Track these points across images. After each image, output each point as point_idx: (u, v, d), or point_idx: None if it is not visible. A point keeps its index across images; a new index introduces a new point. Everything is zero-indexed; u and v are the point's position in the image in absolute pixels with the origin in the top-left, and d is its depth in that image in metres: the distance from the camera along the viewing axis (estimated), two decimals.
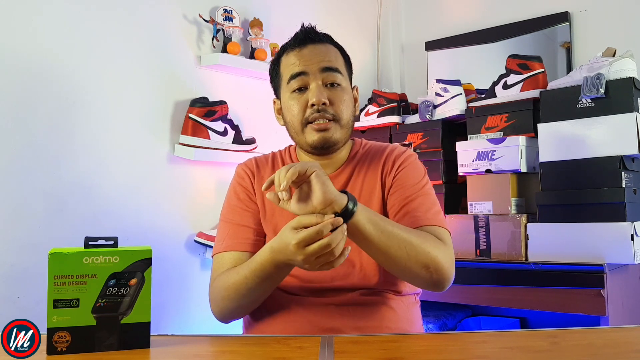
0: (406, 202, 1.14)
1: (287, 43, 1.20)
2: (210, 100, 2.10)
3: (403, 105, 2.48)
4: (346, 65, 1.22)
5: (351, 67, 1.24)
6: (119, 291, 0.86)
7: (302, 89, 1.15)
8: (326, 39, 1.20)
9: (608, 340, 0.93)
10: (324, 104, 1.13)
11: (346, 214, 0.95)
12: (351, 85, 1.22)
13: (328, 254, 0.91)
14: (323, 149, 1.17)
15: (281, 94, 1.21)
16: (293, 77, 1.15)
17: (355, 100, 1.23)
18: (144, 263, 0.87)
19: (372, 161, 1.22)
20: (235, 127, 2.16)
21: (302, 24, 1.21)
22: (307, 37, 1.17)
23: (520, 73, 2.13)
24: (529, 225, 1.93)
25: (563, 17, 2.43)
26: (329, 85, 1.15)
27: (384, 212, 1.18)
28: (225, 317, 1.14)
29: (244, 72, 2.26)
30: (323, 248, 0.90)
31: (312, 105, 1.13)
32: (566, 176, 1.89)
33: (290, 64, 1.16)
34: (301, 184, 0.96)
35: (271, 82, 1.26)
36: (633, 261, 1.73)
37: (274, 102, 1.26)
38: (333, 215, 0.92)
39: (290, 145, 1.29)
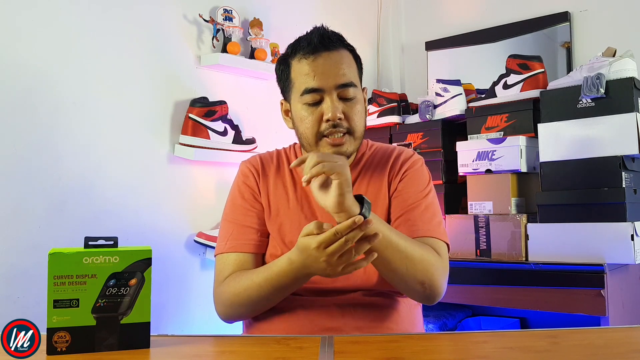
0: (407, 210, 1.14)
1: (299, 45, 1.15)
2: (210, 100, 2.10)
3: (403, 105, 2.48)
4: (358, 69, 1.19)
5: (362, 68, 1.22)
6: (118, 291, 0.86)
7: (317, 102, 1.13)
8: (339, 43, 1.16)
9: (608, 340, 0.93)
10: (339, 119, 1.12)
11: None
12: (361, 86, 1.21)
13: (348, 252, 0.92)
14: None
15: (291, 99, 1.18)
16: (308, 91, 1.12)
17: (364, 100, 1.23)
18: (143, 263, 0.87)
19: (378, 163, 1.22)
20: (235, 127, 2.16)
21: (315, 26, 1.16)
22: (321, 43, 1.13)
23: (520, 73, 2.13)
24: (529, 225, 1.93)
25: (563, 17, 2.43)
26: (343, 99, 1.13)
27: (389, 214, 1.18)
28: (231, 320, 1.16)
29: (244, 72, 2.26)
30: (342, 246, 0.91)
31: (327, 120, 1.11)
32: (566, 176, 1.89)
33: (304, 74, 1.13)
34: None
35: (278, 81, 1.22)
36: (633, 261, 1.73)
37: (282, 103, 1.23)
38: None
39: (295, 144, 1.28)
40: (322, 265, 0.95)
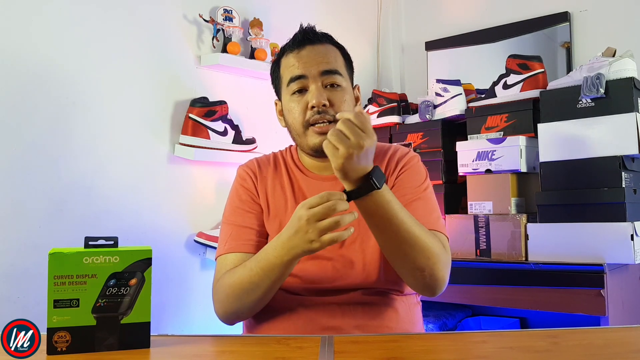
0: (406, 204, 1.13)
1: (286, 44, 1.20)
2: (210, 100, 2.10)
3: (403, 105, 2.48)
4: (346, 65, 1.21)
5: (352, 66, 1.24)
6: (119, 291, 0.86)
7: (302, 90, 1.15)
8: (325, 39, 1.19)
9: (608, 340, 0.93)
10: (324, 105, 1.12)
11: (362, 189, 0.96)
12: (352, 85, 1.22)
13: (333, 220, 0.92)
14: (324, 153, 1.17)
15: (282, 95, 1.21)
16: (292, 80, 1.15)
17: (357, 99, 1.23)
18: (144, 263, 0.87)
19: (374, 162, 1.22)
20: (235, 127, 2.16)
21: (301, 25, 1.20)
22: (305, 37, 1.17)
23: (520, 73, 2.13)
24: (529, 225, 1.93)
25: (563, 17, 2.43)
26: (328, 87, 1.15)
27: None
28: (229, 317, 1.13)
29: (244, 72, 2.26)
30: (327, 210, 0.92)
31: (312, 107, 1.12)
32: (566, 176, 1.89)
33: (290, 66, 1.16)
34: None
35: (272, 83, 1.25)
36: (633, 261, 1.73)
37: (276, 103, 1.26)
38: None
39: (291, 146, 1.29)
40: (304, 227, 0.93)
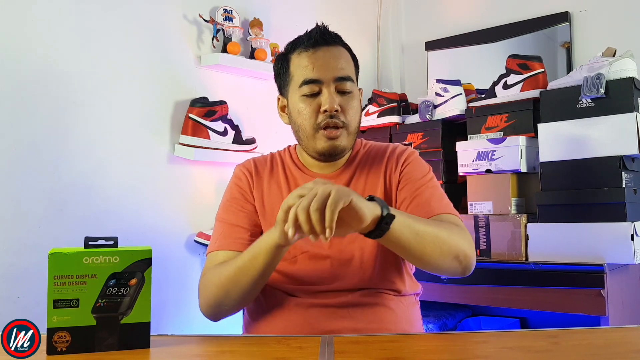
0: (417, 194, 1.16)
1: (299, 41, 1.18)
2: (210, 100, 2.10)
3: (403, 105, 2.48)
4: (355, 68, 1.22)
5: (358, 68, 1.24)
6: (119, 291, 0.86)
7: (314, 93, 1.15)
8: (338, 40, 1.19)
9: (608, 340, 0.93)
10: (335, 110, 1.13)
11: (382, 225, 0.95)
12: (358, 87, 1.23)
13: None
14: (330, 157, 1.18)
15: (289, 93, 1.19)
16: (306, 82, 1.14)
17: (360, 101, 1.24)
18: (144, 263, 0.87)
19: (373, 161, 1.23)
20: (235, 127, 2.16)
21: (316, 23, 1.19)
22: (322, 38, 1.15)
23: (520, 73, 2.13)
24: (529, 225, 1.93)
25: (563, 17, 2.43)
26: (340, 92, 1.15)
27: None
28: (213, 311, 1.11)
29: (244, 72, 2.26)
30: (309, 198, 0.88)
31: (325, 111, 1.13)
32: (566, 176, 1.89)
33: (303, 66, 1.15)
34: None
35: (276, 78, 1.23)
36: (633, 261, 1.73)
37: (278, 99, 1.24)
38: None
39: (290, 146, 1.29)
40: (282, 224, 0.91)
